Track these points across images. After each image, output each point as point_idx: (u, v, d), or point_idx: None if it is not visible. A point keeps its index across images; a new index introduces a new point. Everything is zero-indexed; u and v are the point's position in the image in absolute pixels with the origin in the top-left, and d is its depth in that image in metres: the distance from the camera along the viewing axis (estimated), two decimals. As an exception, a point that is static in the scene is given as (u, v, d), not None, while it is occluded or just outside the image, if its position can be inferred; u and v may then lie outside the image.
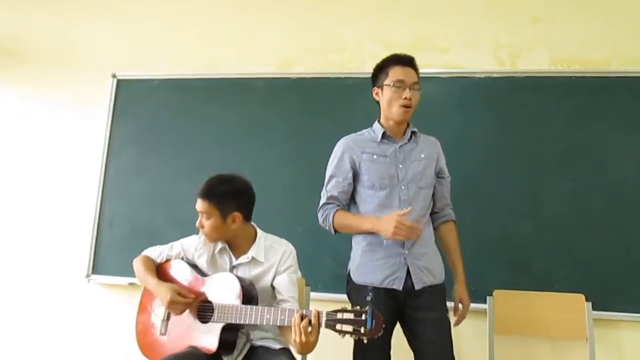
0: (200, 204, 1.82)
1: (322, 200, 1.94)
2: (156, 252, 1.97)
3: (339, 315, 1.52)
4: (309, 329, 1.56)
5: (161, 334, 1.83)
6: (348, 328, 1.51)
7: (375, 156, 1.90)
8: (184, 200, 2.73)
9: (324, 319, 1.54)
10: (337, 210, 1.90)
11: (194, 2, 3.10)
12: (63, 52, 3.19)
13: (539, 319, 2.24)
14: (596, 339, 2.18)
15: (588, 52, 2.61)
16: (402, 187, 1.87)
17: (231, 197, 1.82)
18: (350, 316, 1.51)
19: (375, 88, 1.95)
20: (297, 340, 1.57)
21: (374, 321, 1.49)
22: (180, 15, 3.10)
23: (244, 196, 1.86)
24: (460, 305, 1.96)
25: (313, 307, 2.09)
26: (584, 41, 2.63)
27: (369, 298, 1.50)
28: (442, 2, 2.80)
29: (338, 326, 1.52)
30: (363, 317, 1.50)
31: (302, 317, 1.57)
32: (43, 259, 2.94)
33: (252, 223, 1.93)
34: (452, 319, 1.91)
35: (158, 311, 1.87)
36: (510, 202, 2.48)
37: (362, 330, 1.49)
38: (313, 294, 2.27)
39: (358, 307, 1.52)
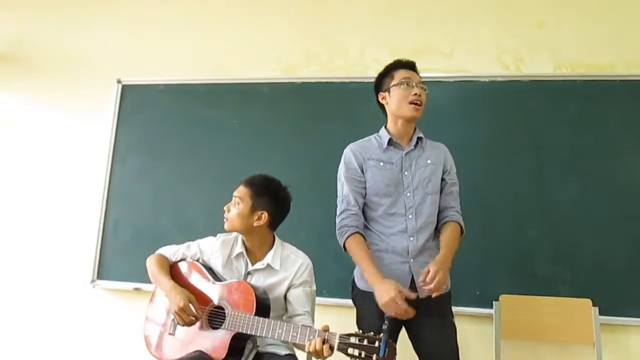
0: (239, 189, 1.89)
1: (342, 207, 1.90)
2: (171, 251, 1.97)
3: (352, 340, 1.51)
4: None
5: (170, 333, 1.83)
6: (360, 353, 1.49)
7: (381, 163, 1.89)
8: (189, 205, 2.77)
9: (336, 341, 1.53)
10: (353, 234, 1.84)
11: (199, 7, 3.11)
12: (68, 58, 3.21)
13: (546, 323, 2.23)
14: (603, 344, 2.17)
15: (592, 56, 2.61)
16: (408, 194, 1.86)
17: (268, 196, 1.87)
18: (364, 341, 1.50)
19: (382, 93, 1.95)
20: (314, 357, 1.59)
21: (387, 349, 1.47)
22: (185, 21, 3.11)
23: (280, 203, 1.90)
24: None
25: (319, 315, 2.10)
26: (588, 45, 2.63)
27: (384, 326, 1.48)
28: (446, 7, 2.81)
29: (350, 350, 1.51)
30: (376, 344, 1.48)
31: (323, 343, 1.55)
32: (48, 264, 2.95)
33: (274, 233, 1.94)
34: (458, 323, 1.89)
35: (169, 310, 1.85)
36: (516, 206, 2.47)
37: (374, 357, 1.47)
38: (318, 299, 2.26)
39: (372, 334, 1.51)
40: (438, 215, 1.95)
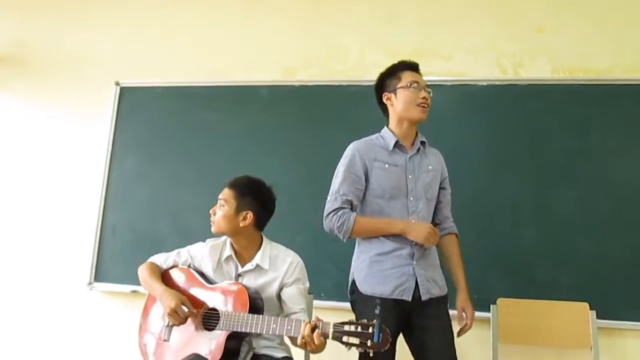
0: (223, 192, 1.91)
1: (336, 204, 1.85)
2: (162, 258, 1.98)
3: (346, 327, 1.51)
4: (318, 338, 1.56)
5: (164, 340, 1.82)
6: (355, 340, 1.50)
7: (387, 165, 1.88)
8: (187, 208, 2.76)
9: (330, 330, 1.54)
10: (356, 216, 1.85)
11: (197, 10, 3.12)
12: (67, 60, 3.21)
13: (543, 327, 2.23)
14: (601, 348, 2.17)
15: (591, 60, 2.62)
16: (411, 198, 1.87)
17: (252, 197, 1.88)
18: (358, 328, 1.50)
19: (387, 93, 1.94)
20: (309, 348, 1.58)
21: (381, 334, 1.48)
22: (184, 23, 3.11)
23: (264, 203, 1.91)
24: (463, 315, 1.94)
25: (316, 316, 2.09)
26: (586, 49, 2.64)
27: (377, 311, 1.49)
28: (445, 10, 2.82)
29: (345, 338, 1.51)
30: (370, 330, 1.49)
31: (313, 329, 1.56)
32: (45, 267, 2.94)
33: (262, 233, 1.95)
34: (455, 328, 1.90)
35: (162, 317, 1.85)
36: (514, 209, 2.48)
37: (369, 343, 1.48)
38: (316, 302, 2.26)
39: (365, 320, 1.51)
40: (436, 224, 1.98)
